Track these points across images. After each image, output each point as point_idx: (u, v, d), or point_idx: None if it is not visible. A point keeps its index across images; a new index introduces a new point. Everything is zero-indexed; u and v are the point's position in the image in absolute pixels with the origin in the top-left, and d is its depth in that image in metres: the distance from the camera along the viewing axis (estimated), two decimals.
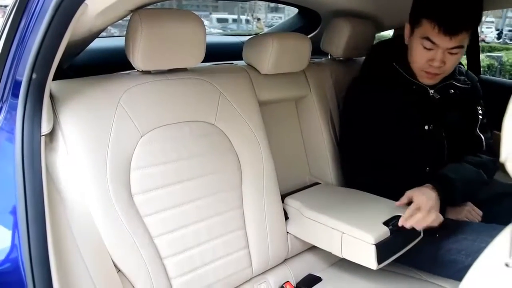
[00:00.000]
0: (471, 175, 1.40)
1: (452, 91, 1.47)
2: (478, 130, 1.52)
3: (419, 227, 1.24)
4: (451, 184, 1.33)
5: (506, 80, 2.71)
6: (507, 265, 0.45)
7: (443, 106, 1.46)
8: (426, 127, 1.44)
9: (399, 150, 1.43)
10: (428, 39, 1.31)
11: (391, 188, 1.36)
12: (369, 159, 1.47)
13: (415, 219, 1.22)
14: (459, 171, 1.38)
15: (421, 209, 1.23)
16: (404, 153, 1.43)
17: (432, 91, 1.45)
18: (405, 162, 1.42)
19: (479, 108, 1.53)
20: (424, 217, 1.23)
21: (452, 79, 1.46)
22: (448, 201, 1.32)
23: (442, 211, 1.29)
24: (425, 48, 1.33)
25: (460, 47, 1.32)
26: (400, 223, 1.23)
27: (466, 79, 1.51)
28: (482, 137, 1.51)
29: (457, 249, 1.29)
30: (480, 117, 1.52)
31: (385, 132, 1.43)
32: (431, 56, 1.34)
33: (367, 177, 1.47)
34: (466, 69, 1.59)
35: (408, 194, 1.30)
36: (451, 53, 1.33)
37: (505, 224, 0.52)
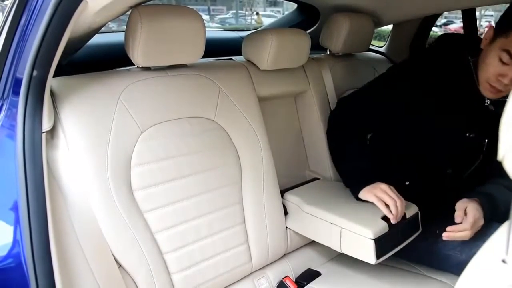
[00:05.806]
0: (508, 199, 1.34)
1: None
2: None
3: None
4: (497, 205, 1.31)
5: None
6: (504, 261, 0.45)
7: (493, 118, 1.41)
8: (468, 134, 1.37)
9: (429, 147, 1.39)
10: (508, 53, 1.19)
11: (410, 184, 1.36)
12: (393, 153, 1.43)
13: (460, 235, 1.25)
14: (502, 193, 1.34)
15: (471, 227, 1.24)
16: (433, 151, 1.39)
17: (488, 101, 1.36)
18: (430, 160, 1.39)
19: None
20: (467, 236, 1.24)
21: None
22: (487, 219, 1.29)
23: None
24: (501, 61, 1.22)
25: None
26: (445, 235, 1.26)
27: None
28: None
29: (452, 245, 1.31)
30: None
31: (421, 124, 1.37)
32: (504, 72, 1.22)
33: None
34: None
35: (461, 206, 1.28)
36: None
37: (503, 221, 0.52)
